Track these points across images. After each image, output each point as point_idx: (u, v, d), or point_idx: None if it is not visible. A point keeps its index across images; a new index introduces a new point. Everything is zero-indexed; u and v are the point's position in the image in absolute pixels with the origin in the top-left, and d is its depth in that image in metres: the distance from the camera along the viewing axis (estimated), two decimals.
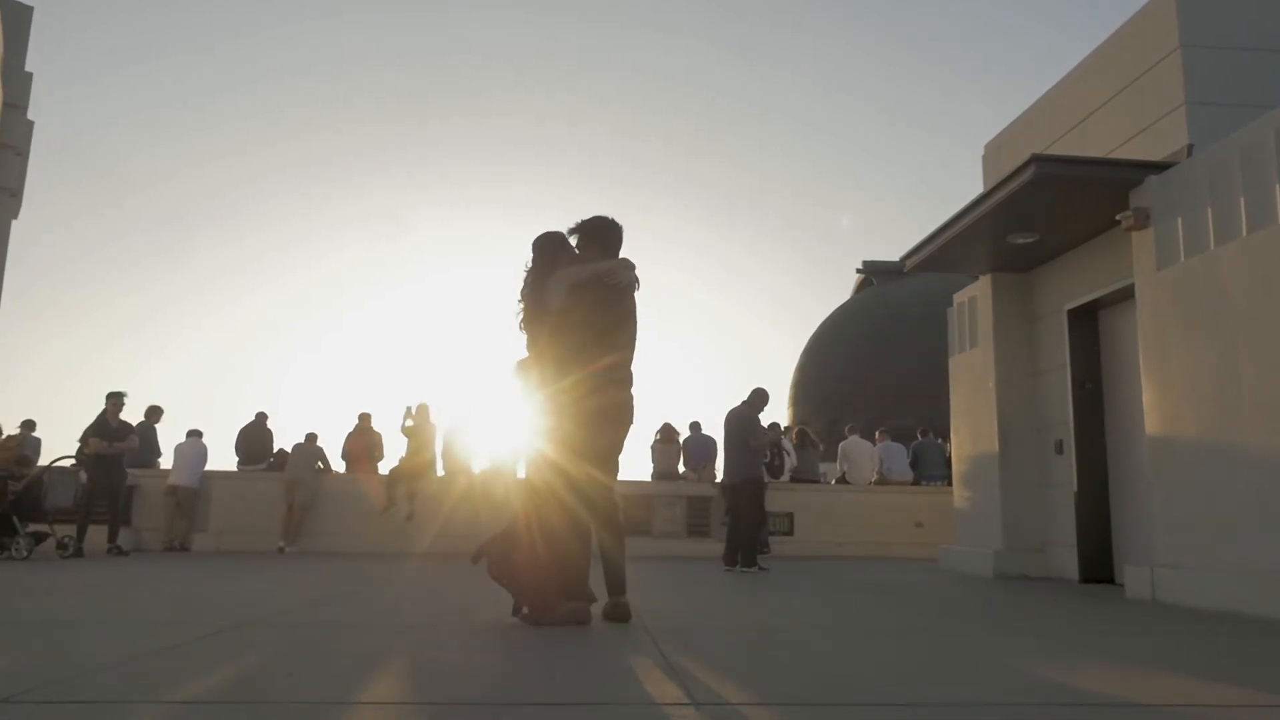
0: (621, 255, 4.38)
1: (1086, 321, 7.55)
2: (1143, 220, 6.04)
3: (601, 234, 4.36)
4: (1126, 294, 6.92)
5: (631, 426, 4.24)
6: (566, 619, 3.87)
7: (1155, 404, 5.90)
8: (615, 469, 4.24)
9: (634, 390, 4.25)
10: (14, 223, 13.41)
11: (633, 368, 4.27)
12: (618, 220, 4.41)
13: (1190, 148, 6.05)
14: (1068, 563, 7.44)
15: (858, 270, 31.03)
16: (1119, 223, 6.34)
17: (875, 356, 25.29)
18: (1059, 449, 7.67)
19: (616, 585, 4.12)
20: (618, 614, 4.05)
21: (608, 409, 4.10)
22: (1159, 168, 6.06)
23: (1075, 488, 7.34)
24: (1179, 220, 5.76)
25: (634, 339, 4.27)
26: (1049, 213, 6.78)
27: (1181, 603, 5.43)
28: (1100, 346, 7.49)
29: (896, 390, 23.57)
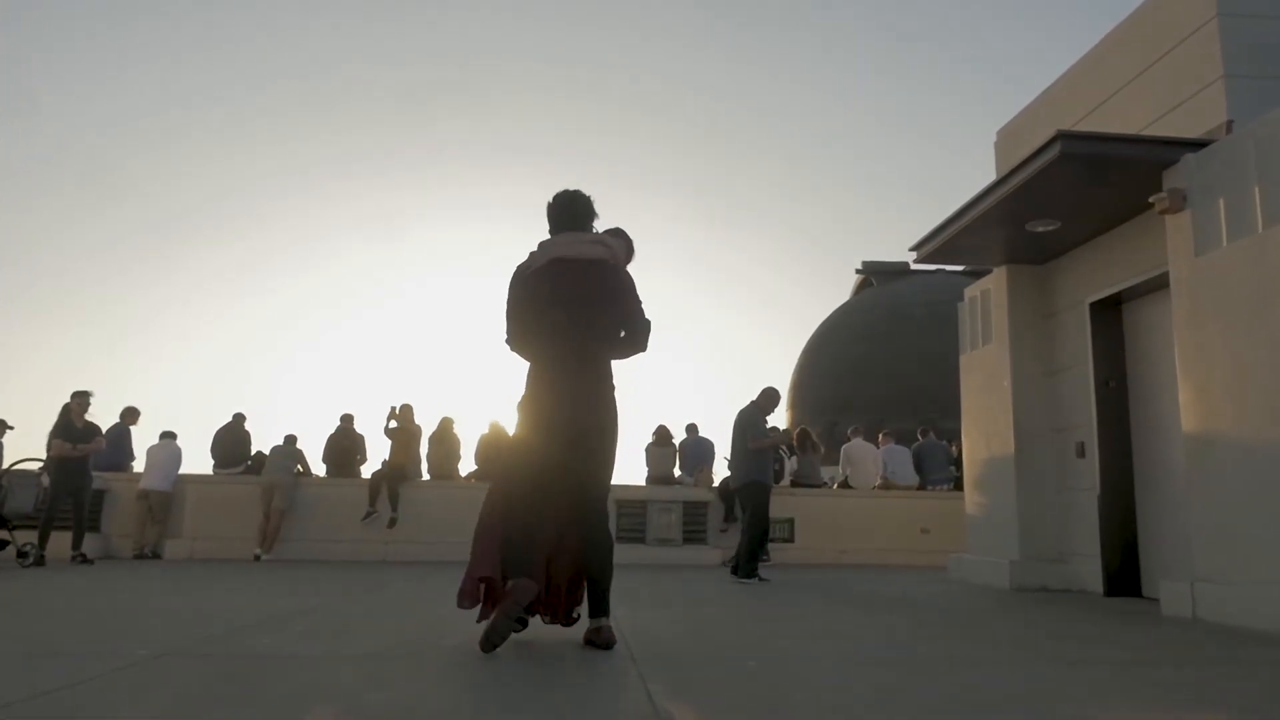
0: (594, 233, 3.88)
1: (1110, 315, 7.05)
2: (1178, 202, 5.54)
3: (547, 216, 3.92)
4: (1155, 285, 6.43)
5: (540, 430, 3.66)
6: (513, 605, 3.35)
7: (1193, 402, 5.40)
8: (602, 470, 3.76)
9: (545, 384, 3.65)
10: (3, 223, 12.86)
11: (552, 354, 3.66)
12: (567, 190, 3.87)
13: (1230, 124, 5.55)
14: (1090, 574, 6.94)
15: (857, 270, 30.54)
16: (1150, 206, 5.86)
17: (875, 358, 24.81)
18: (1080, 452, 7.17)
19: (600, 606, 3.62)
20: (600, 640, 3.54)
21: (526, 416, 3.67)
22: (1196, 145, 5.56)
23: (1098, 493, 6.84)
24: (1220, 201, 5.27)
25: (555, 323, 3.64)
26: (1073, 197, 6.28)
27: (1227, 622, 4.93)
28: (1125, 341, 6.99)
29: (897, 392, 23.10)
